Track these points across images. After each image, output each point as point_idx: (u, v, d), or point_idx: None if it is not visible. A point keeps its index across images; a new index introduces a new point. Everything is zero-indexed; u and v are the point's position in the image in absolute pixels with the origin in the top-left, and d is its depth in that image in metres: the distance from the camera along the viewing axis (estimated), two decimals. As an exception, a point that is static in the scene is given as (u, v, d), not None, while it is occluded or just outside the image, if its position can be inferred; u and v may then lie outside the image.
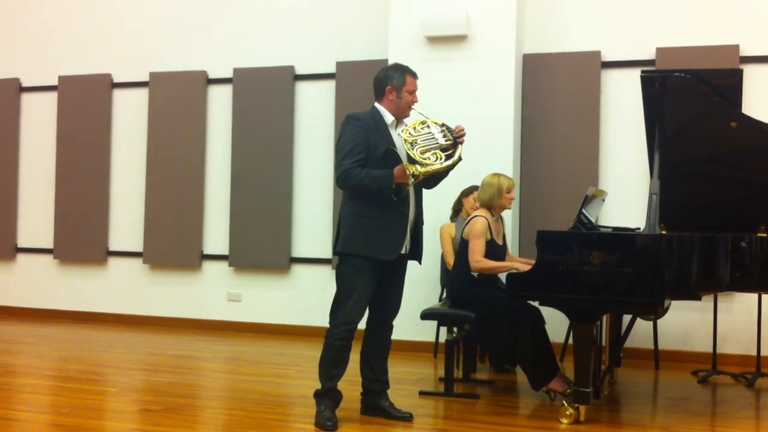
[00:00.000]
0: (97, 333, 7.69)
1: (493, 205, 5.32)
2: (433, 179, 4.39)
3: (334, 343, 4.32)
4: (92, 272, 8.41)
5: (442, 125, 4.34)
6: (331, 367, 4.35)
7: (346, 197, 4.40)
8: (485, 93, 6.64)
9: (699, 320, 6.41)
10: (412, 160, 4.16)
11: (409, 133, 4.27)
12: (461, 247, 5.38)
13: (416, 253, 4.47)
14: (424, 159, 4.16)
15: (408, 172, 4.06)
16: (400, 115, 4.43)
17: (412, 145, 4.21)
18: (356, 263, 4.29)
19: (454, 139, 4.29)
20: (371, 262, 4.28)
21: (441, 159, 4.19)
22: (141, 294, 8.21)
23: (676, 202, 4.92)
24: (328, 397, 4.36)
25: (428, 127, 4.32)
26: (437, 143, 4.25)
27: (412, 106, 4.43)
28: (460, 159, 4.28)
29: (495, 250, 5.24)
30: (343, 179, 4.26)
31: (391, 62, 6.66)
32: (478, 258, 5.14)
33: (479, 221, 5.22)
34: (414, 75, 4.47)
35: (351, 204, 4.35)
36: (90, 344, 7.15)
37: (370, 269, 4.29)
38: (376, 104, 4.45)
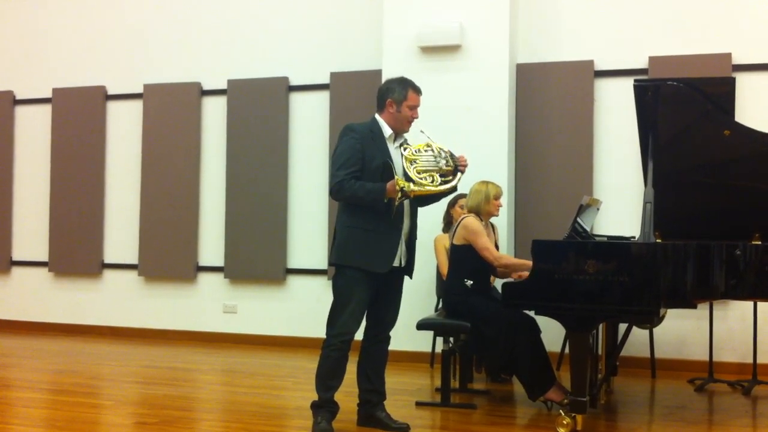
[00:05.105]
0: (93, 346, 7.67)
1: (481, 212, 5.33)
2: (425, 199, 4.39)
3: (331, 354, 4.32)
4: (87, 285, 8.39)
5: (447, 152, 4.34)
6: (328, 378, 4.34)
7: (341, 208, 4.40)
8: (479, 102, 6.66)
9: (695, 328, 6.41)
10: (408, 178, 4.17)
11: (412, 152, 4.27)
12: (453, 256, 5.38)
13: (408, 268, 4.47)
14: (420, 179, 4.17)
15: (397, 187, 4.06)
16: (399, 128, 4.42)
17: (411, 163, 4.21)
18: (351, 274, 4.29)
19: (455, 166, 4.29)
20: (365, 273, 4.27)
21: (436, 182, 4.20)
22: (136, 306, 8.19)
23: (671, 210, 4.93)
24: (325, 408, 4.35)
25: (432, 150, 4.30)
26: (437, 166, 4.24)
27: (412, 123, 4.42)
28: (454, 189, 4.30)
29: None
30: (336, 190, 4.27)
31: (385, 72, 6.73)
32: (495, 254, 5.16)
33: (472, 219, 5.24)
34: (417, 90, 4.44)
35: (346, 215, 4.35)
36: (85, 357, 7.12)
37: (364, 280, 4.28)
38: (376, 115, 4.45)
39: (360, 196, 4.22)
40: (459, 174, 4.29)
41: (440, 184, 4.20)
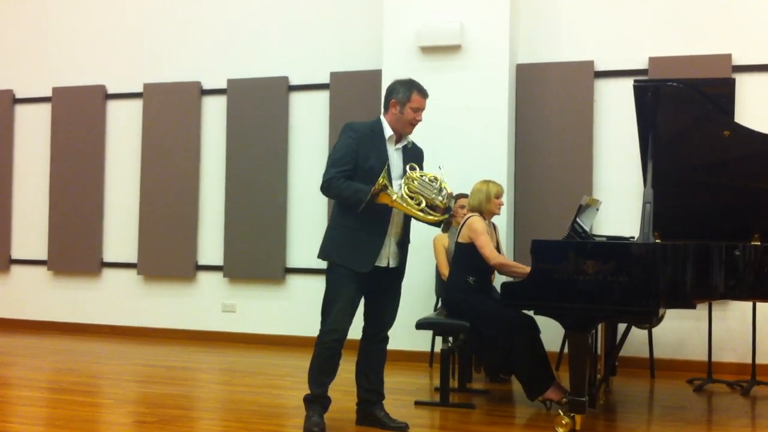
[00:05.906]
0: (92, 344, 7.67)
1: (482, 210, 5.35)
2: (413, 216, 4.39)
3: (323, 352, 4.33)
4: (86, 283, 8.39)
5: (450, 192, 4.30)
6: (322, 374, 4.35)
7: (334, 205, 4.43)
8: (479, 102, 6.66)
9: (694, 328, 6.41)
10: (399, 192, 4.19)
11: (416, 175, 4.24)
12: (456, 254, 5.39)
13: (399, 271, 4.46)
14: (407, 195, 4.17)
15: (378, 186, 4.04)
16: (400, 130, 4.39)
17: (409, 181, 4.21)
18: (339, 271, 4.33)
19: (449, 207, 4.29)
20: (353, 270, 4.28)
21: (419, 206, 4.17)
22: (135, 305, 8.19)
23: (670, 210, 4.93)
24: (317, 402, 4.36)
25: (437, 183, 4.26)
26: (430, 196, 4.21)
27: (415, 125, 4.38)
28: (436, 224, 4.29)
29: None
30: (325, 187, 4.30)
31: (385, 72, 6.74)
32: (495, 254, 5.16)
33: (476, 219, 5.26)
34: (422, 93, 4.39)
35: (337, 212, 4.39)
36: (84, 356, 7.12)
37: (353, 278, 4.29)
38: (381, 116, 4.44)
39: (345, 196, 4.22)
40: (447, 215, 4.30)
41: (421, 210, 4.18)
